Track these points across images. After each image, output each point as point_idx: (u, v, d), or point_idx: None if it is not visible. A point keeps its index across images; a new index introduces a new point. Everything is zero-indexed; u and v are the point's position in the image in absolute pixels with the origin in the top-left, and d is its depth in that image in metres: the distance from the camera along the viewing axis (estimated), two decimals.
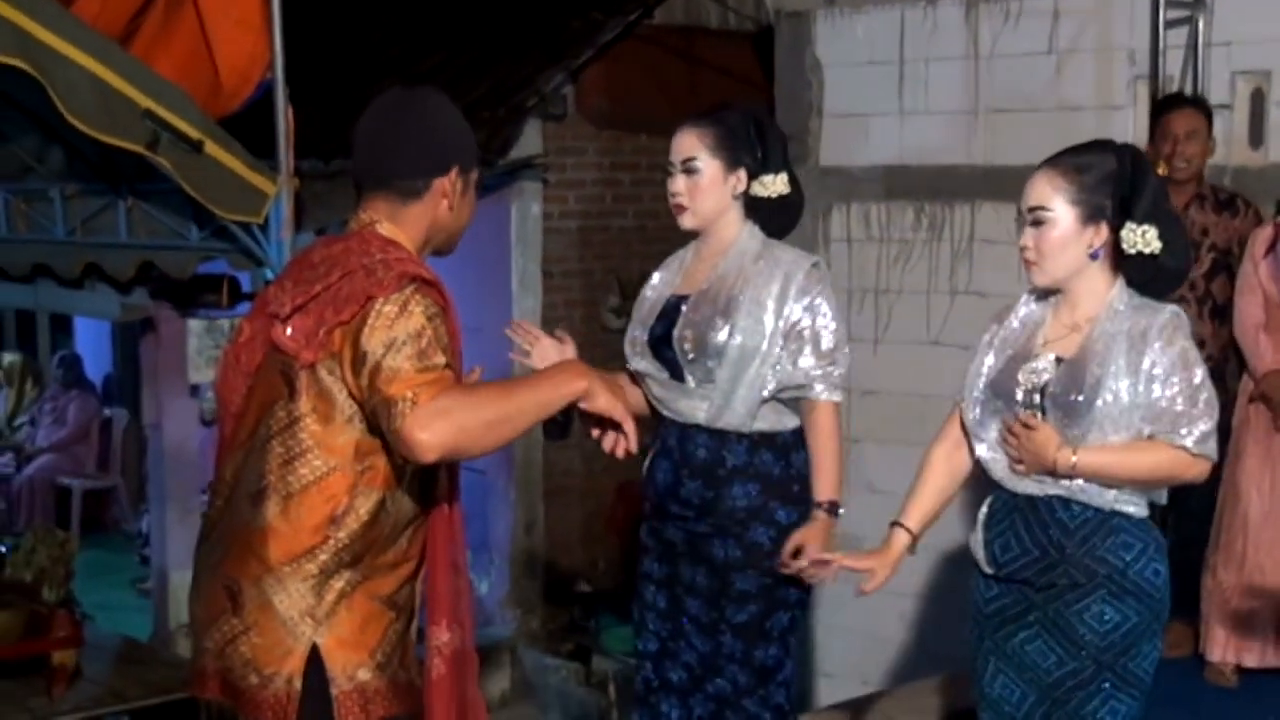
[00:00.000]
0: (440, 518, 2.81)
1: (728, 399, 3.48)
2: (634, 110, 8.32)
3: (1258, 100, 5.77)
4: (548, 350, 3.52)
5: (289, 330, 2.67)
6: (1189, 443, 2.94)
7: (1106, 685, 3.01)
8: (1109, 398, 2.94)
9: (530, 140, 8.12)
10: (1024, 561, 3.07)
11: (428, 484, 2.77)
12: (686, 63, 8.43)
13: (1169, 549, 3.11)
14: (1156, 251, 2.97)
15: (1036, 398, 3.02)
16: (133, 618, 7.69)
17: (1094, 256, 3.01)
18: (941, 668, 5.59)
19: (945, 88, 6.54)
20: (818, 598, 4.24)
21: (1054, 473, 2.98)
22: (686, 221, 3.58)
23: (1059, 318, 3.08)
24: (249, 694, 2.67)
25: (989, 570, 3.14)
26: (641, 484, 3.70)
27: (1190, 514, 4.80)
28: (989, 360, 3.14)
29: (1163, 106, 5.23)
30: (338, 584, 2.68)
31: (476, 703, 2.92)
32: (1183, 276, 3.10)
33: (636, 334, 3.63)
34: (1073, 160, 3.02)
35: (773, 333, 3.47)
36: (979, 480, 3.22)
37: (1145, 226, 2.96)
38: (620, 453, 2.82)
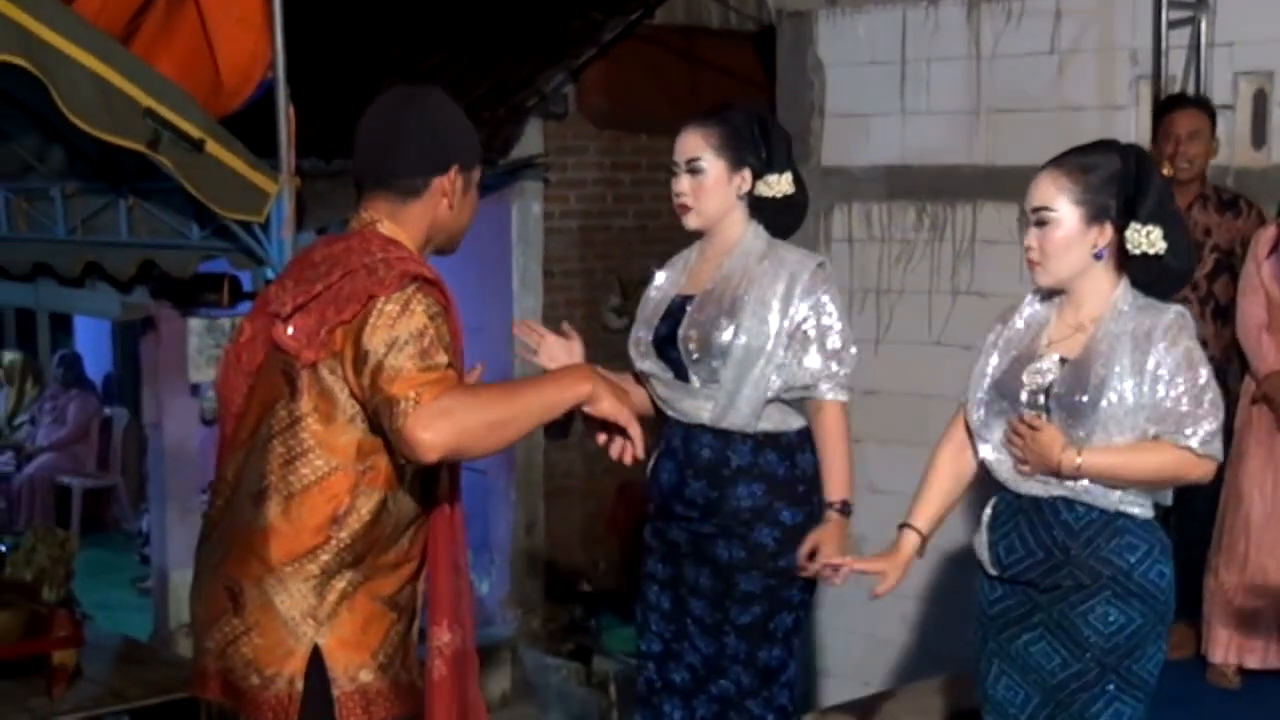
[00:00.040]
0: (441, 518, 2.80)
1: (732, 399, 3.47)
2: (635, 110, 8.32)
3: (1260, 101, 5.76)
4: (554, 348, 3.51)
5: (290, 329, 2.67)
6: (1194, 443, 2.93)
7: (1111, 687, 3.00)
8: (1113, 398, 2.93)
9: (531, 140, 8.11)
10: (1028, 563, 3.06)
11: (429, 484, 2.76)
12: (687, 62, 8.42)
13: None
14: (1161, 252, 2.96)
15: (1041, 398, 3.01)
16: (133, 617, 7.68)
17: (1098, 257, 3.00)
18: (943, 668, 5.58)
19: (947, 88, 6.53)
20: (819, 599, 4.23)
21: (1059, 474, 2.97)
22: (691, 222, 3.57)
23: (1063, 318, 3.08)
24: (250, 695, 2.67)
25: (993, 572, 3.13)
26: (645, 485, 3.69)
27: (1192, 515, 4.79)
28: (993, 361, 3.13)
29: (1166, 106, 5.22)
30: (339, 584, 2.67)
31: (477, 704, 2.91)
32: (1187, 277, 3.10)
33: (641, 334, 3.63)
34: (1077, 160, 3.01)
35: (778, 333, 3.46)
36: (983, 481, 3.21)
37: (1150, 227, 2.95)
38: (628, 459, 2.79)
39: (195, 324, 6.51)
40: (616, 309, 8.27)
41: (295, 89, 5.30)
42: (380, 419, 2.53)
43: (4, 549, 5.80)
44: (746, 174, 3.54)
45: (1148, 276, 2.99)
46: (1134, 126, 5.84)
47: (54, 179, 6.44)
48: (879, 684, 6.47)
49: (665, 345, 3.55)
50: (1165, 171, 4.75)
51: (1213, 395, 2.95)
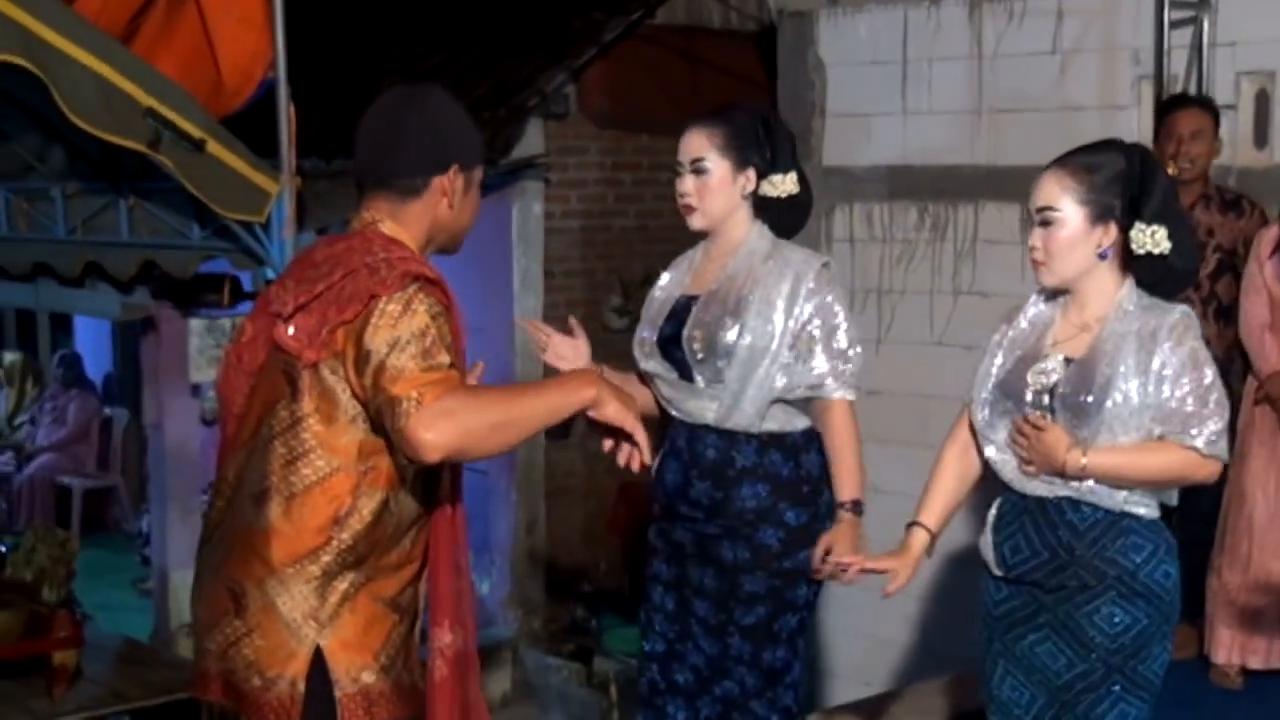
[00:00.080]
0: (443, 519, 2.79)
1: (737, 399, 3.47)
2: (636, 110, 8.31)
3: (1263, 101, 5.75)
4: (561, 346, 3.52)
5: (291, 329, 2.66)
6: (1199, 443, 2.92)
7: (1116, 688, 3.00)
8: (1118, 398, 2.93)
9: (532, 140, 8.11)
10: (1034, 563, 3.06)
11: (431, 485, 2.76)
12: (688, 62, 8.41)
13: None
14: (1166, 252, 2.95)
15: (1045, 399, 3.01)
16: (133, 618, 7.67)
17: (1103, 257, 3.00)
18: (945, 669, 5.57)
19: (949, 88, 6.52)
20: (821, 599, 4.23)
21: (1064, 474, 2.97)
22: (696, 222, 3.56)
23: (1068, 318, 3.07)
24: (252, 696, 2.66)
25: (998, 572, 3.13)
26: (648, 485, 3.68)
27: (1195, 515, 4.78)
28: (998, 361, 3.12)
29: (1168, 106, 5.21)
30: (341, 585, 2.66)
31: (479, 704, 2.90)
32: (1192, 277, 3.10)
33: (645, 334, 3.62)
34: (1081, 160, 3.01)
35: (782, 333, 3.46)
36: (988, 482, 3.20)
37: (1155, 227, 2.95)
38: (635, 466, 2.77)
39: (196, 324, 6.50)
40: (617, 309, 8.27)
41: (296, 89, 5.29)
42: (382, 419, 2.52)
43: (4, 549, 5.79)
44: (751, 174, 3.53)
45: (1152, 276, 2.99)
46: (1136, 126, 5.83)
47: (54, 179, 6.43)
48: (880, 684, 6.46)
49: (670, 345, 3.55)
50: (1168, 171, 4.75)
51: (1218, 395, 2.95)
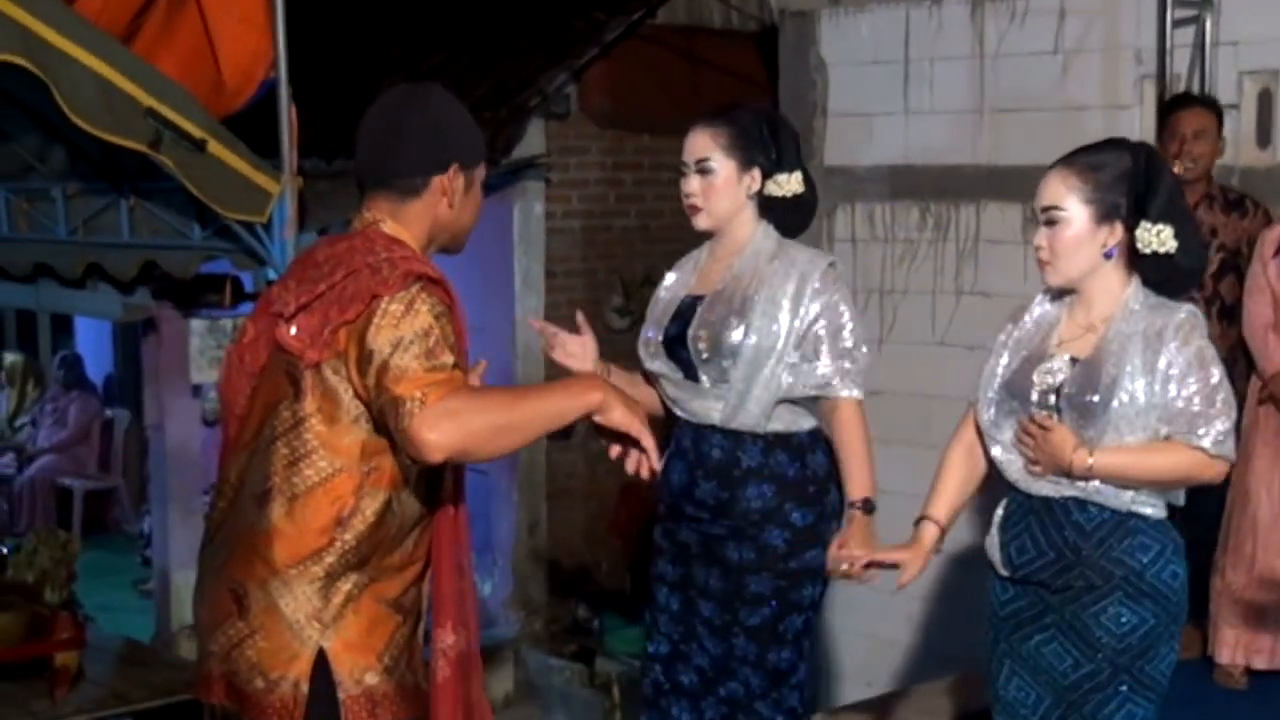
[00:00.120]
0: (446, 519, 2.79)
1: (742, 399, 3.46)
2: (637, 110, 8.31)
3: (1265, 100, 5.74)
4: (570, 344, 3.52)
5: (294, 330, 2.65)
6: (1207, 443, 2.91)
7: (1124, 688, 2.99)
8: (1125, 398, 2.92)
9: (533, 140, 8.10)
10: (1040, 564, 3.05)
11: (433, 485, 2.75)
12: (689, 62, 8.41)
13: None
14: (1172, 251, 2.94)
15: (1051, 398, 3.00)
16: (134, 619, 7.66)
17: (1108, 256, 2.99)
18: (947, 669, 5.57)
19: (950, 87, 6.51)
20: (824, 600, 4.23)
21: (1070, 474, 2.96)
22: (701, 222, 3.56)
23: (1074, 318, 3.06)
24: (255, 698, 2.65)
25: (1005, 573, 3.12)
26: (652, 485, 3.67)
27: (1198, 516, 4.74)
28: (1003, 361, 3.11)
29: (1172, 105, 5.21)
30: (344, 586, 2.65)
31: (482, 706, 2.90)
32: (1198, 275, 3.09)
33: (650, 334, 3.62)
34: (1087, 159, 3.00)
35: (788, 333, 3.45)
36: (993, 482, 3.19)
37: (1160, 226, 2.94)
38: (644, 473, 2.72)
39: (197, 325, 6.49)
40: (619, 309, 8.26)
41: (296, 89, 5.28)
42: (385, 419, 2.51)
43: (6, 551, 5.78)
44: (756, 173, 3.53)
45: (1159, 275, 2.98)
46: (1138, 126, 5.83)
47: (55, 179, 6.41)
48: (882, 685, 6.45)
49: (675, 345, 3.54)
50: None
51: (1225, 395, 2.94)
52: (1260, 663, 4.83)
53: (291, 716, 2.62)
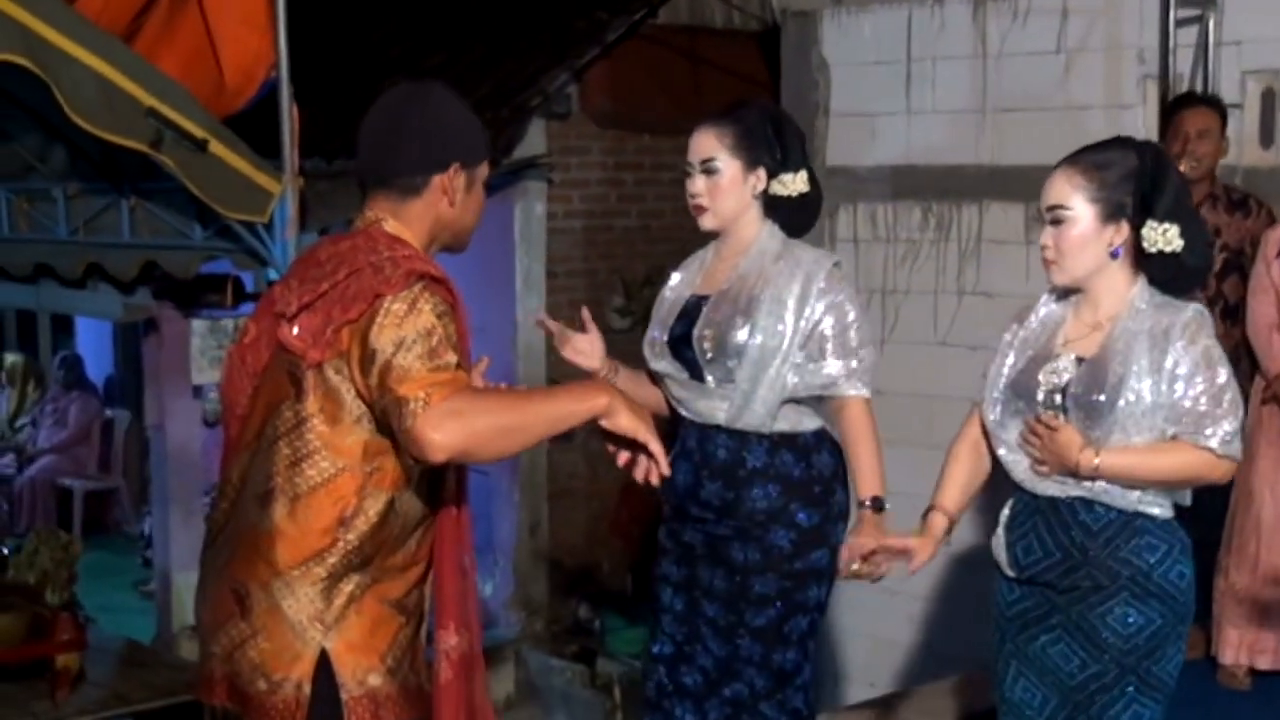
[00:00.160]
0: (448, 520, 2.77)
1: (748, 399, 3.45)
2: (638, 110, 8.30)
3: (1268, 100, 5.74)
4: (579, 342, 3.53)
5: (296, 329, 2.64)
6: (1214, 444, 2.90)
7: (1130, 689, 2.98)
8: (1131, 397, 2.90)
9: (534, 140, 8.09)
10: (1046, 564, 3.04)
11: (436, 486, 2.74)
12: (691, 62, 8.40)
13: None
14: (1178, 249, 2.93)
15: (1058, 398, 2.99)
16: (135, 620, 7.65)
17: (1114, 255, 2.97)
18: (948, 669, 5.56)
19: (953, 87, 6.51)
20: None
21: (1076, 474, 2.95)
22: (707, 222, 3.55)
23: (1080, 317, 3.05)
24: (257, 699, 2.64)
25: (1011, 573, 3.11)
26: (659, 486, 3.65)
27: (1202, 516, 4.73)
28: (1009, 360, 3.10)
29: (1176, 105, 5.20)
30: (347, 587, 2.64)
31: (485, 707, 2.88)
32: (1204, 274, 3.08)
33: (655, 334, 3.61)
34: (1092, 158, 2.99)
35: (794, 333, 3.44)
36: (997, 483, 3.18)
37: (1166, 225, 2.93)
38: (654, 480, 2.69)
39: (198, 325, 6.48)
40: (620, 309, 8.25)
41: (297, 89, 5.27)
42: (389, 419, 2.50)
43: (6, 552, 5.78)
44: (761, 173, 3.52)
45: (1165, 274, 2.96)
46: (1141, 126, 5.82)
47: (56, 179, 6.41)
48: (884, 685, 6.44)
49: (680, 345, 3.53)
50: None
51: (1232, 395, 2.92)
52: (1264, 663, 4.83)
53: (294, 718, 2.61)
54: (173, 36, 5.47)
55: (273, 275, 5.33)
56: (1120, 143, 3.04)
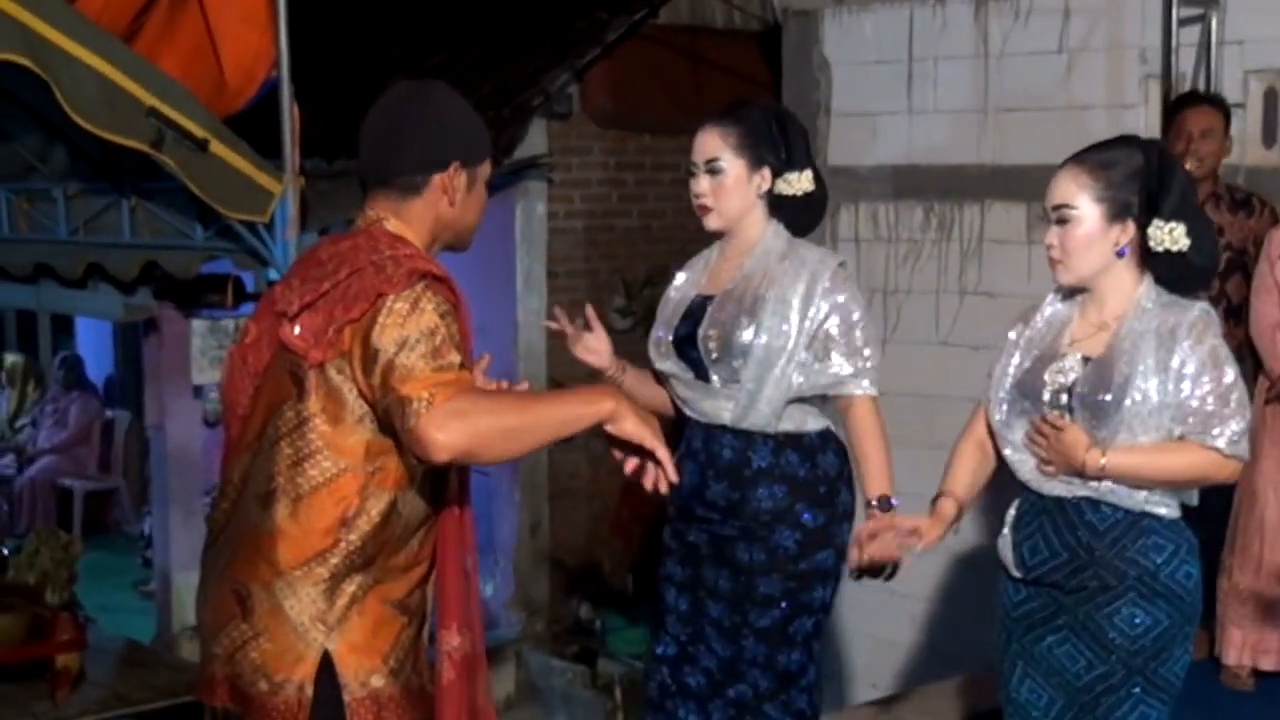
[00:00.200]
0: (450, 520, 2.76)
1: (753, 399, 3.44)
2: (639, 110, 8.29)
3: (1271, 99, 5.73)
4: (591, 340, 3.56)
5: (297, 329, 2.63)
6: (1221, 443, 2.89)
7: (1137, 690, 2.97)
8: (1137, 397, 2.90)
9: (535, 140, 8.09)
10: (1053, 564, 3.03)
11: (438, 486, 2.72)
12: (692, 62, 8.40)
13: None
14: (1185, 249, 2.92)
15: (1064, 398, 2.98)
16: (135, 620, 7.65)
17: (1121, 254, 2.97)
18: (950, 670, 5.55)
19: (954, 87, 6.50)
20: None
21: (1083, 474, 2.94)
22: (711, 222, 3.54)
23: (1086, 317, 3.04)
24: (259, 701, 2.62)
25: (1017, 573, 3.10)
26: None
27: (1205, 516, 4.72)
28: (1015, 360, 3.09)
29: (1179, 104, 5.19)
30: (349, 588, 2.63)
31: (487, 708, 2.87)
32: (1211, 273, 3.07)
33: (660, 334, 3.60)
34: (1098, 157, 2.98)
35: (799, 332, 3.44)
36: (1002, 483, 3.17)
37: (1173, 224, 2.92)
38: (663, 487, 2.64)
39: (198, 325, 6.48)
40: (621, 309, 8.24)
41: (298, 89, 5.27)
42: (392, 419, 2.49)
43: (6, 552, 5.77)
44: (766, 173, 3.51)
45: (1171, 273, 2.95)
46: (1143, 125, 5.81)
47: (56, 179, 6.40)
48: (886, 686, 6.44)
49: (685, 345, 3.53)
50: None
51: (1239, 394, 2.92)
52: (1268, 664, 4.82)
53: (296, 719, 2.61)
54: (173, 36, 5.46)
55: (273, 275, 5.32)
56: (1125, 141, 3.03)
